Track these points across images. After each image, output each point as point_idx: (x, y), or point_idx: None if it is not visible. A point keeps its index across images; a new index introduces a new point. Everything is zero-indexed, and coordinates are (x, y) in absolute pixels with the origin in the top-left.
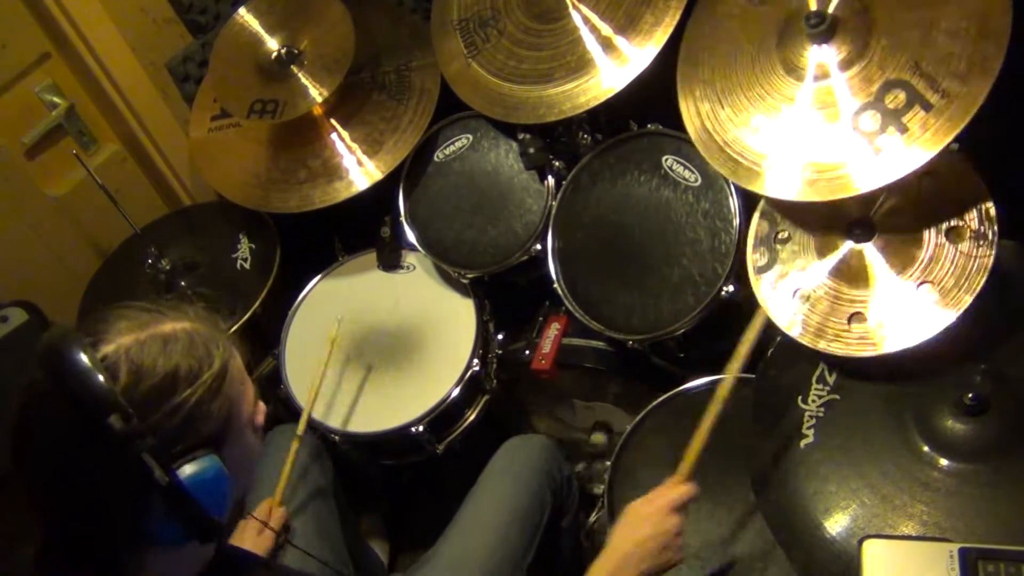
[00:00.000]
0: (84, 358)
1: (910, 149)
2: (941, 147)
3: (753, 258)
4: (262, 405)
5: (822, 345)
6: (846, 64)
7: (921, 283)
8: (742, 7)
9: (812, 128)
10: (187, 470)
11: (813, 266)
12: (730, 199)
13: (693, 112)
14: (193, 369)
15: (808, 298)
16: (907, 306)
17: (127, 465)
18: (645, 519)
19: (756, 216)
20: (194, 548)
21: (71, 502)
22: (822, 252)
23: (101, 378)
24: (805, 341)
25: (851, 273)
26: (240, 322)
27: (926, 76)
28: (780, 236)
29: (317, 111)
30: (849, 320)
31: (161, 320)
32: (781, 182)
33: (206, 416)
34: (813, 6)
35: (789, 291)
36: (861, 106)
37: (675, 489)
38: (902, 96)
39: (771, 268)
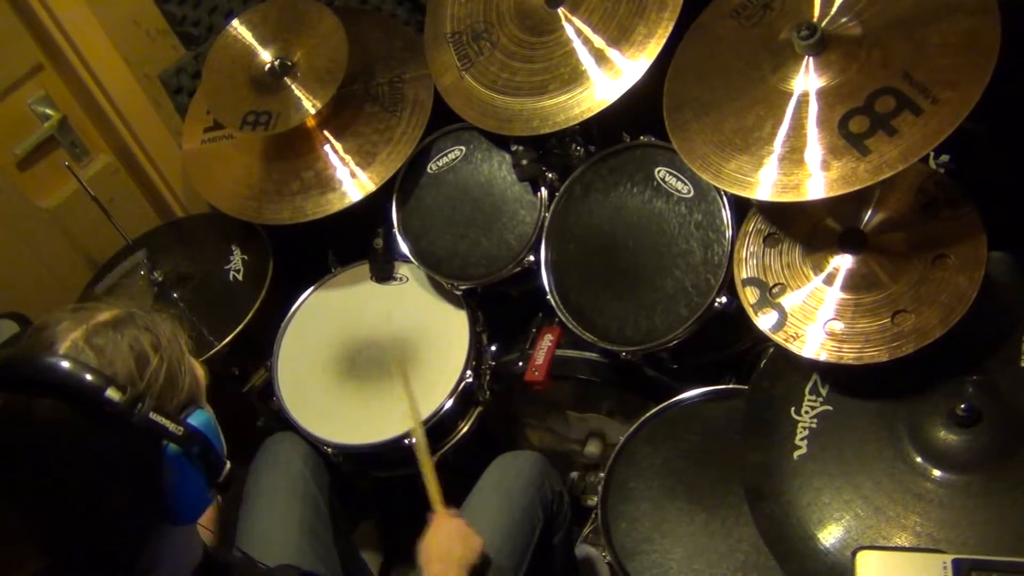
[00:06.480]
0: (53, 358)
1: (899, 149)
2: (931, 147)
3: (765, 330)
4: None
5: (887, 356)
6: (836, 75)
7: (935, 258)
8: (734, 28)
9: (799, 132)
10: (192, 420)
11: (828, 295)
12: (722, 210)
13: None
14: (151, 336)
15: (838, 322)
16: (936, 281)
17: (137, 432)
18: (449, 539)
19: (740, 288)
20: (194, 540)
21: (81, 504)
22: (825, 277)
23: (79, 365)
24: (870, 359)
25: (864, 281)
26: (232, 334)
27: (917, 85)
28: (774, 291)
29: (310, 123)
30: (893, 318)
31: (96, 311)
32: (768, 185)
33: (183, 374)
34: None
35: (820, 329)
36: (849, 111)
37: (450, 519)
38: (892, 102)
39: (784, 322)
